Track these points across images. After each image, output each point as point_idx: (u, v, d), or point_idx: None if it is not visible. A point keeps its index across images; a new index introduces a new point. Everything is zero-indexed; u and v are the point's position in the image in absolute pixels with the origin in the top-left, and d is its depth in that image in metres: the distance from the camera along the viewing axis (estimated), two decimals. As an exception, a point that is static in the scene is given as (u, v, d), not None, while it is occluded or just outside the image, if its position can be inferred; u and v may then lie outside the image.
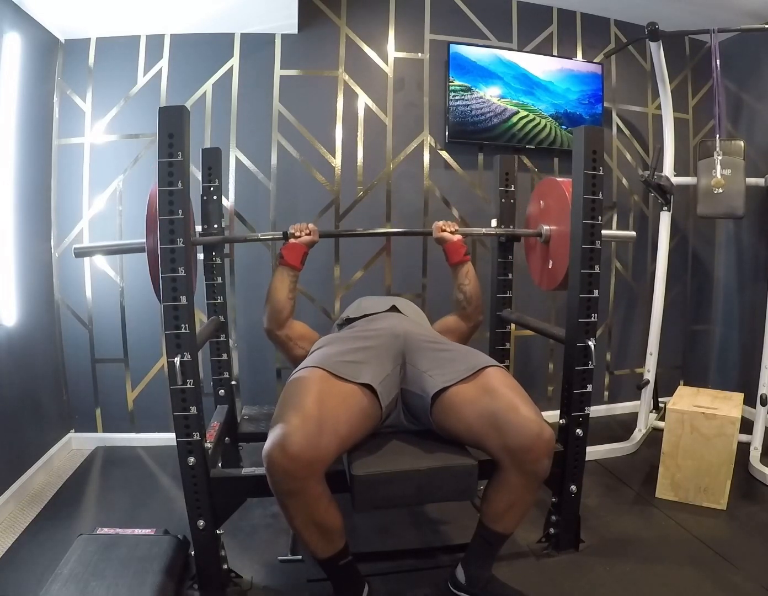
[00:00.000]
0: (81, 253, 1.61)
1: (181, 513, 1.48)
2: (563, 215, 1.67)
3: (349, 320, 1.72)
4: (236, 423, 2.03)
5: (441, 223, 1.85)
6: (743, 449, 2.17)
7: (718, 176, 2.30)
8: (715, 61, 2.31)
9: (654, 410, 2.72)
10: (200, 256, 1.99)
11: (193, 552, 1.46)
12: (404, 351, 1.47)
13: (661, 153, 2.49)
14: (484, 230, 2.02)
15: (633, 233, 2.02)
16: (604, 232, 1.54)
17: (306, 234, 1.72)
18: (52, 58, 2.32)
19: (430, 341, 1.53)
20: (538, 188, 1.97)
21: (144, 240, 1.46)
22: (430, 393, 1.35)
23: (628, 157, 2.86)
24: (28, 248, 2.18)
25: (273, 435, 1.15)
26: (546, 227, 1.83)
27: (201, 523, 1.41)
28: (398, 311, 1.76)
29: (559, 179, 1.80)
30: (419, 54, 2.58)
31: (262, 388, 2.54)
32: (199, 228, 1.94)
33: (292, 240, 1.71)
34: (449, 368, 1.38)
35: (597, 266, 1.53)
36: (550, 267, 1.83)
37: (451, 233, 1.83)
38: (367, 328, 1.58)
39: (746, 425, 2.22)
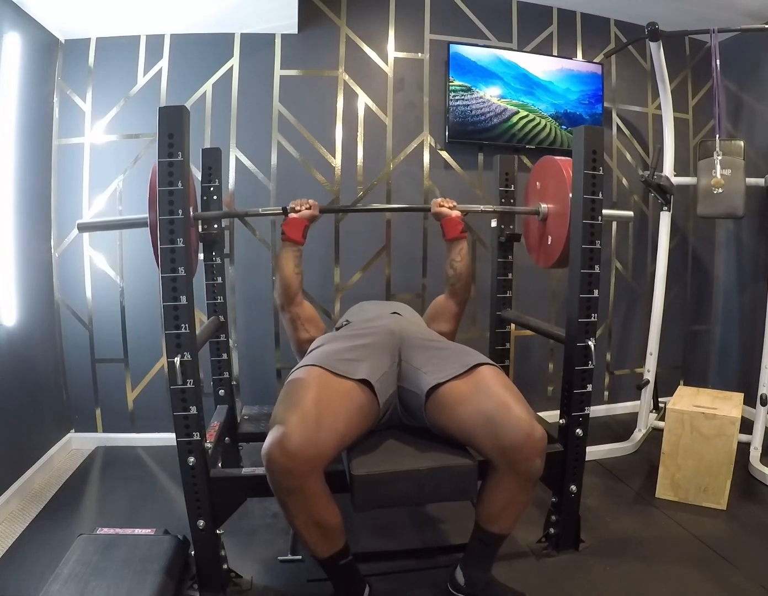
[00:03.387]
0: (85, 227, 1.65)
1: (181, 513, 1.48)
2: (560, 193, 1.69)
3: (348, 323, 1.72)
4: (236, 423, 2.04)
5: (440, 199, 1.85)
6: (743, 449, 2.17)
7: (718, 176, 2.30)
8: (715, 61, 2.31)
9: (654, 410, 2.72)
10: (200, 256, 1.99)
11: (193, 552, 1.46)
12: (400, 348, 1.48)
13: (661, 153, 2.49)
14: (482, 207, 1.98)
15: (630, 213, 2.04)
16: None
17: (306, 208, 1.72)
18: (52, 58, 2.32)
19: (425, 338, 1.54)
20: (536, 167, 1.98)
21: (146, 215, 1.49)
22: (424, 390, 1.35)
23: (628, 157, 2.87)
24: (28, 248, 2.18)
25: (272, 434, 1.16)
26: (544, 205, 1.84)
27: (201, 523, 1.41)
28: (397, 314, 1.75)
29: (556, 158, 1.80)
30: (419, 54, 2.58)
31: (262, 388, 2.54)
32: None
33: (292, 215, 1.71)
34: (443, 365, 1.38)
35: (597, 266, 1.53)
36: (548, 244, 1.83)
37: (450, 208, 1.83)
38: (364, 326, 1.60)
39: (746, 425, 2.22)
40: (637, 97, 2.87)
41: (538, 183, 1.91)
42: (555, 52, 2.70)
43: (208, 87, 2.42)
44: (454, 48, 2.49)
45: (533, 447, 1.23)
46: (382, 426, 1.44)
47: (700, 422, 1.90)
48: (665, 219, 2.52)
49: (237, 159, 2.45)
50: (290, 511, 1.22)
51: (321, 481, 1.21)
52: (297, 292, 1.72)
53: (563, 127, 2.67)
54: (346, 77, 2.50)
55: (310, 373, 1.32)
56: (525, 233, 2.06)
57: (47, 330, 2.35)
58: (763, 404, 2.27)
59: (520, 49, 2.64)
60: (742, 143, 2.34)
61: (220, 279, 1.97)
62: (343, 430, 1.24)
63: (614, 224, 2.85)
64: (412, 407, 1.43)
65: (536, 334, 1.98)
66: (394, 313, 1.73)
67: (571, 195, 1.58)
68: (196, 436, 1.37)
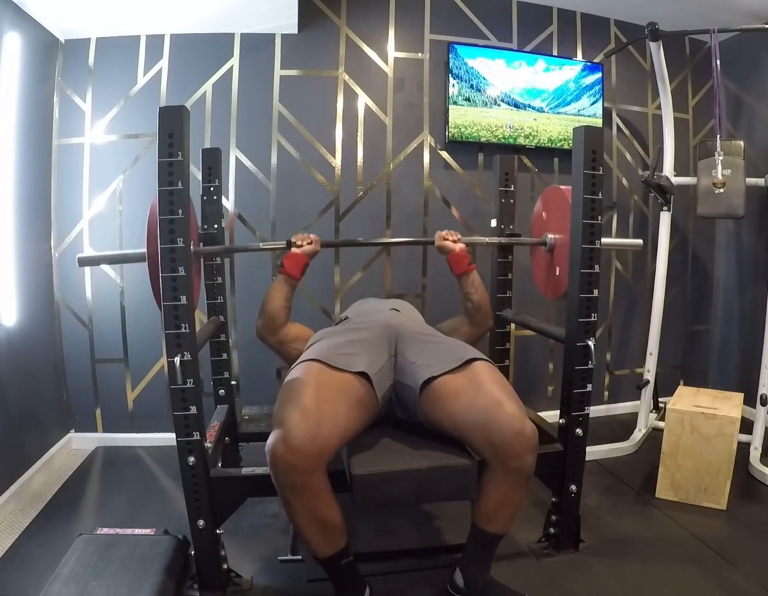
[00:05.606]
0: (84, 262, 1.62)
1: (181, 513, 1.48)
2: (567, 223, 1.64)
3: (346, 319, 1.74)
4: (236, 423, 2.03)
5: (443, 232, 1.80)
6: (743, 449, 2.17)
7: (719, 175, 2.30)
8: (715, 61, 2.31)
9: (654, 410, 2.72)
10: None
11: (193, 552, 1.46)
12: (396, 342, 1.49)
13: (661, 153, 2.49)
14: (487, 240, 1.97)
15: (639, 241, 1.94)
16: (608, 240, 1.50)
17: (308, 244, 1.71)
18: (52, 58, 2.32)
19: (421, 332, 1.54)
20: (542, 196, 1.96)
21: (144, 250, 1.45)
22: (419, 383, 1.36)
23: (628, 157, 2.86)
24: (28, 248, 2.18)
25: (275, 432, 1.18)
26: (551, 236, 1.81)
27: (201, 523, 1.41)
28: (396, 310, 1.76)
29: (562, 187, 1.78)
30: (419, 54, 2.58)
31: (262, 388, 2.54)
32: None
33: (294, 249, 1.69)
34: (437, 359, 1.39)
35: (597, 266, 1.53)
36: (555, 275, 1.81)
37: (453, 242, 1.78)
38: (361, 321, 1.61)
39: (746, 425, 2.22)
40: (637, 97, 2.87)
41: (544, 214, 1.88)
42: (555, 52, 2.70)
43: (208, 87, 2.42)
44: (454, 48, 2.49)
45: (524, 444, 1.23)
46: (379, 421, 1.45)
47: (700, 422, 1.90)
48: (665, 219, 2.52)
49: (237, 159, 2.45)
50: (293, 508, 1.22)
51: (324, 477, 1.22)
52: (282, 325, 1.69)
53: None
54: (346, 77, 2.50)
55: (310, 368, 1.34)
56: (532, 265, 2.05)
57: (47, 330, 2.35)
58: (763, 404, 2.27)
59: (520, 49, 2.64)
60: (742, 143, 2.34)
61: (220, 279, 1.97)
62: (344, 424, 1.25)
63: (614, 224, 2.85)
64: (406, 401, 1.44)
65: (536, 334, 1.98)
66: (393, 309, 1.75)
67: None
68: (196, 436, 1.37)
